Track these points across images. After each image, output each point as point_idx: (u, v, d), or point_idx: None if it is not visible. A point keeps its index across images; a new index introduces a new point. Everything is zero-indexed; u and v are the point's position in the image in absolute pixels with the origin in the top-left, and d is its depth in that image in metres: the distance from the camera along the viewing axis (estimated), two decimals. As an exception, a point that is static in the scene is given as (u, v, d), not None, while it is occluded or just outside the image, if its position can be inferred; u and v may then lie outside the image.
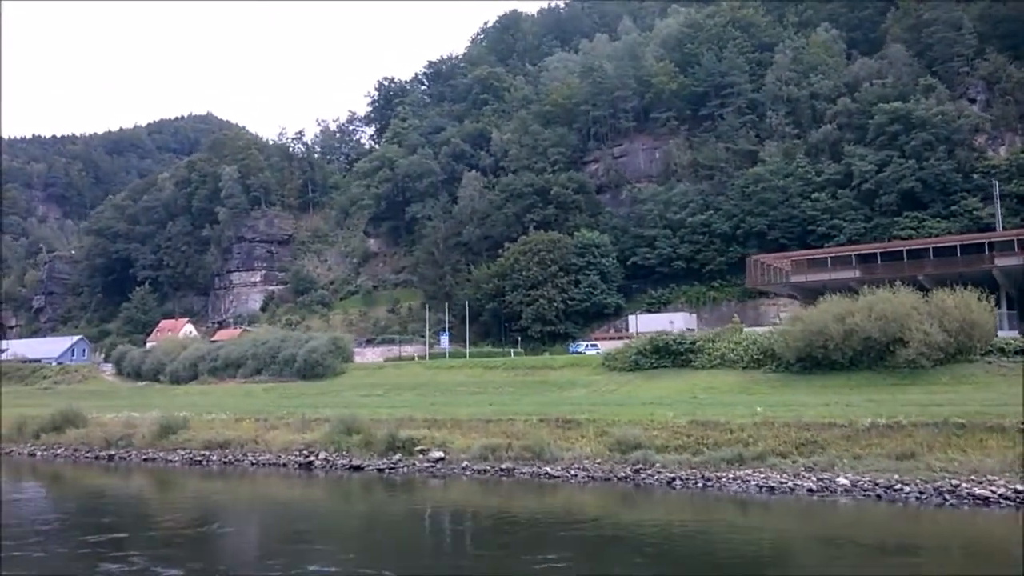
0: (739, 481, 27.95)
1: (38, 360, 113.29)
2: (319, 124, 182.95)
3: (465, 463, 33.89)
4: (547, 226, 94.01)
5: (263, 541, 24.83)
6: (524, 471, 32.25)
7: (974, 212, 75.49)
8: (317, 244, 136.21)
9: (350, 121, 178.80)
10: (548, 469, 31.75)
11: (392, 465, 35.04)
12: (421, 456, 35.32)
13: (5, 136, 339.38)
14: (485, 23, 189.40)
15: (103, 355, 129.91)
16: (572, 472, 31.23)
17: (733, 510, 26.00)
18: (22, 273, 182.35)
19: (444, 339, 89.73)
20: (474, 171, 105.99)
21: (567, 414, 37.40)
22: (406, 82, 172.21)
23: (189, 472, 38.75)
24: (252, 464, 38.46)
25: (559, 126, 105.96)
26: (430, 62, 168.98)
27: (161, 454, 41.58)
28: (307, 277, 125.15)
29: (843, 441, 29.34)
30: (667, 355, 55.89)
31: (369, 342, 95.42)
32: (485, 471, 33.14)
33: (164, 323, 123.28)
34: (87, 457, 43.65)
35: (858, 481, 26.35)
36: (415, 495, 31.54)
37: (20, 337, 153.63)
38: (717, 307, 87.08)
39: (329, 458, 37.08)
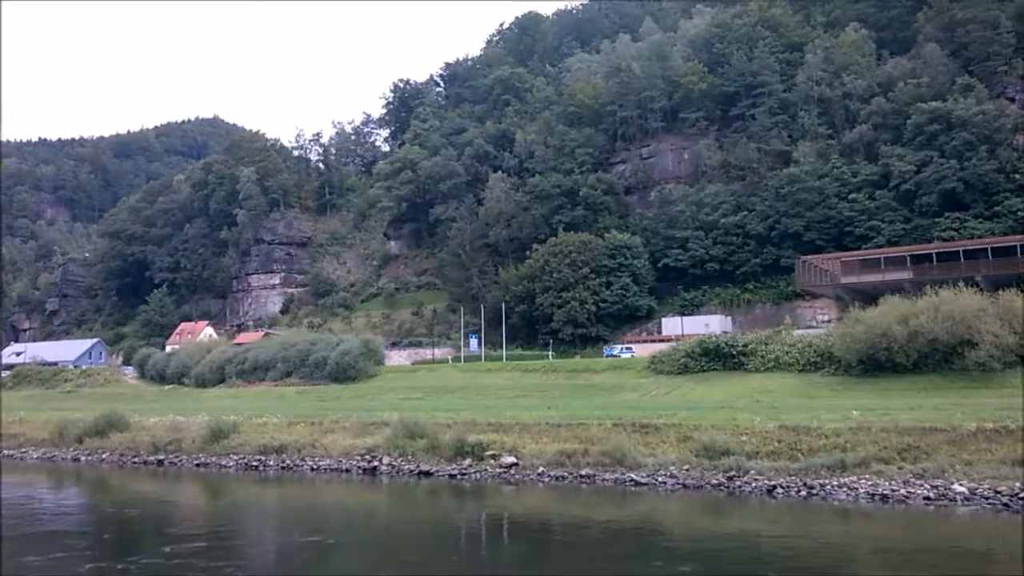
0: (845, 489, 26.63)
1: (55, 363, 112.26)
2: (335, 126, 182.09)
3: (541, 469, 32.59)
4: (575, 228, 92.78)
5: (361, 553, 23.53)
6: (607, 478, 30.95)
7: (1018, 212, 74.03)
8: (335, 246, 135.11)
9: (365, 123, 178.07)
10: (633, 475, 30.43)
11: (463, 471, 33.74)
12: (492, 461, 34.04)
13: (14, 139, 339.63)
14: (501, 25, 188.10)
15: (120, 358, 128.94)
16: (659, 479, 29.93)
17: (856, 522, 24.55)
18: (35, 276, 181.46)
19: (473, 342, 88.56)
20: (499, 172, 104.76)
21: (641, 418, 36.04)
22: (421, 84, 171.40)
23: (245, 478, 37.52)
24: (312, 469, 37.21)
25: (585, 127, 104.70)
26: (447, 63, 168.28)
27: (213, 459, 40.34)
28: (327, 280, 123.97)
29: (948, 446, 27.98)
30: (717, 358, 54.70)
31: (395, 345, 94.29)
32: (563, 477, 31.85)
33: (183, 326, 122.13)
34: (135, 462, 42.41)
35: (976, 489, 25.01)
36: (490, 502, 30.21)
37: (34, 340, 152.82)
38: (751, 310, 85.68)
39: (394, 463, 35.80)
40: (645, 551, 21.63)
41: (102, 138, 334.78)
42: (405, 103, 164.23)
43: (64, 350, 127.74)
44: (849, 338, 47.45)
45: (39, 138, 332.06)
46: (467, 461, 34.40)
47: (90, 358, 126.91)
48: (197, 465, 40.21)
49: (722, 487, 28.61)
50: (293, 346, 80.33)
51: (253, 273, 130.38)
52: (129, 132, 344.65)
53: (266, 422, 44.43)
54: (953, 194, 77.04)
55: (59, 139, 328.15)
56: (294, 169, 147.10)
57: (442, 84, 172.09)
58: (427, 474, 34.16)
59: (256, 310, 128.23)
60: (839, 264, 62.46)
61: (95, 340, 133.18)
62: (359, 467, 36.16)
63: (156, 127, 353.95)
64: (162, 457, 41.90)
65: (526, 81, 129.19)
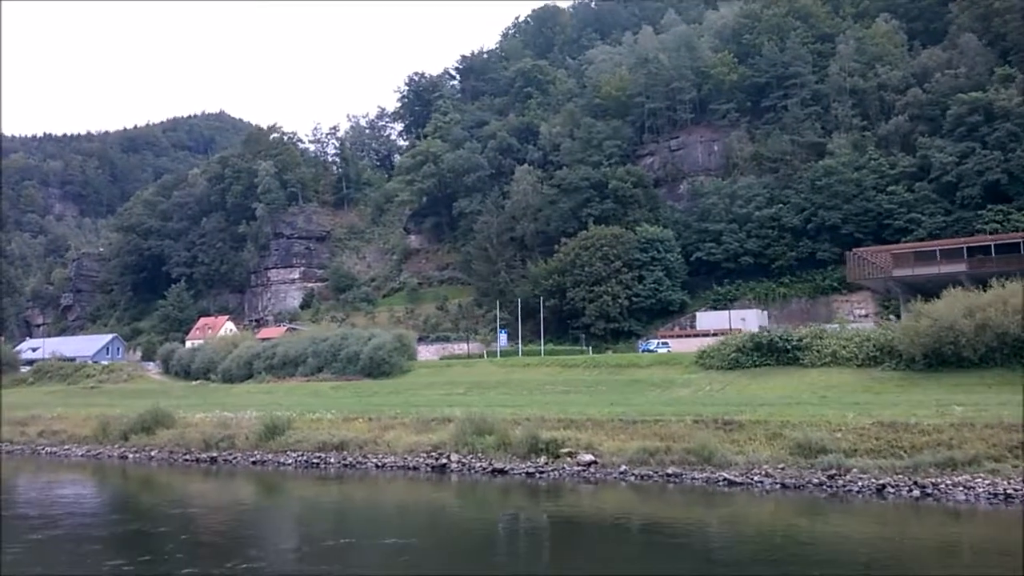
0: (961, 488, 25.36)
1: (73, 359, 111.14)
2: (349, 120, 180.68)
3: (623, 467, 31.35)
4: (605, 221, 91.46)
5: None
6: (696, 477, 29.69)
7: (1065, 205, 72.87)
8: (354, 241, 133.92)
9: (379, 117, 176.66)
10: (725, 475, 29.18)
11: (540, 469, 32.51)
12: (569, 459, 32.82)
13: (19, 134, 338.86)
14: (516, 18, 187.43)
15: (137, 353, 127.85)
16: (755, 478, 28.66)
17: (989, 524, 23.30)
18: (49, 271, 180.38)
19: (503, 337, 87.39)
20: (525, 165, 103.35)
21: (722, 414, 34.77)
22: (435, 77, 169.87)
23: (305, 476, 36.31)
24: (377, 467, 35.99)
25: (612, 119, 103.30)
26: (463, 57, 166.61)
27: (270, 456, 39.11)
28: (347, 274, 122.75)
29: (1059, 444, 26.75)
30: (770, 352, 53.50)
31: (422, 340, 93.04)
32: (648, 476, 30.59)
33: (203, 321, 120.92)
34: (186, 460, 41.19)
35: (1108, 488, 23.79)
36: (570, 501, 28.96)
37: (49, 335, 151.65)
38: (787, 304, 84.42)
39: (463, 460, 34.57)
40: (778, 556, 20.39)
41: (108, 133, 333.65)
42: (420, 97, 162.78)
43: (82, 345, 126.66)
44: (913, 332, 46.15)
45: (44, 133, 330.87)
46: (542, 459, 33.18)
47: (107, 353, 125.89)
48: (253, 463, 38.97)
49: (824, 486, 27.35)
50: (323, 341, 79.18)
51: (272, 267, 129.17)
52: (136, 127, 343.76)
53: (320, 418, 43.14)
54: (996, 186, 75.70)
55: (64, 134, 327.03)
56: (311, 163, 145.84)
57: (458, 77, 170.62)
58: (501, 472, 32.91)
59: (275, 305, 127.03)
60: (890, 256, 61.08)
61: (112, 335, 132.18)
62: (427, 464, 34.92)
63: (163, 122, 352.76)
64: (215, 454, 40.67)
65: (548, 73, 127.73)
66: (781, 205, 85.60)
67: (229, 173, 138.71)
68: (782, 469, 28.89)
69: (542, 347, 76.01)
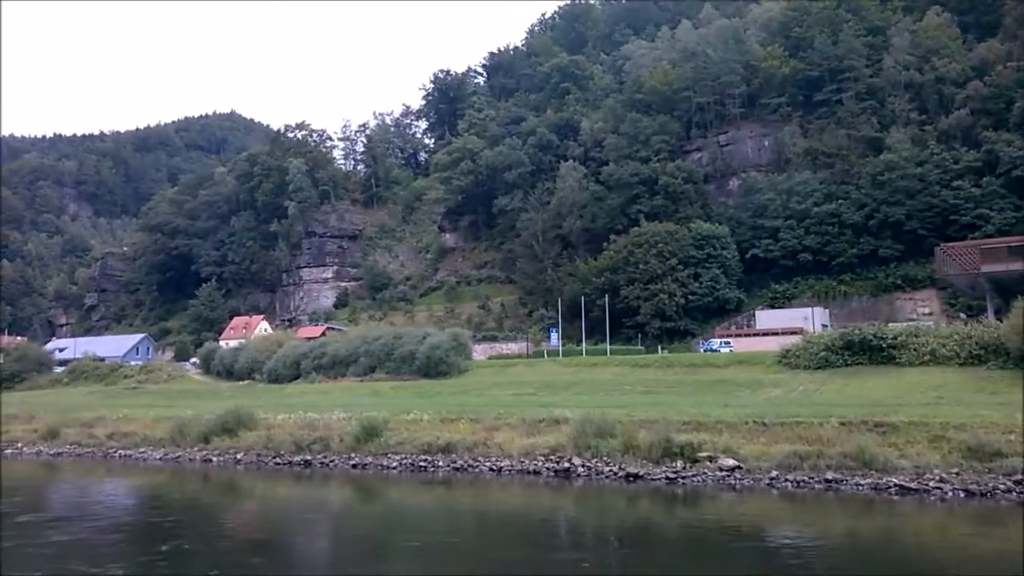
0: None
1: (102, 359, 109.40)
2: (375, 118, 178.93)
3: (773, 472, 29.29)
4: (655, 217, 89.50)
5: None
6: (860, 483, 27.59)
7: None
8: (385, 239, 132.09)
9: (404, 115, 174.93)
10: (895, 480, 27.11)
11: (679, 474, 30.47)
12: (709, 463, 30.79)
13: (29, 134, 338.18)
14: (543, 15, 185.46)
15: (165, 353, 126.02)
16: (930, 484, 26.53)
17: None
18: (72, 271, 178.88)
19: (554, 336, 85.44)
20: (569, 161, 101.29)
21: (870, 415, 32.64)
22: (461, 75, 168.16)
23: (411, 480, 34.37)
24: (492, 470, 33.99)
25: (657, 114, 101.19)
26: (490, 54, 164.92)
27: (370, 459, 37.13)
28: (382, 273, 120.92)
29: None
30: (862, 351, 51.59)
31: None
32: (803, 483, 28.50)
33: (237, 320, 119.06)
34: (277, 463, 39.24)
35: None
36: (712, 509, 26.81)
37: (72, 335, 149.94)
38: (847, 302, 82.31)
39: (588, 464, 32.56)
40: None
41: (120, 133, 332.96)
42: (445, 94, 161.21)
43: (111, 345, 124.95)
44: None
45: (54, 133, 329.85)
46: (678, 463, 31.17)
47: (137, 353, 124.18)
48: (353, 466, 37.02)
49: (1013, 493, 25.28)
50: (375, 340, 77.33)
51: (305, 266, 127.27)
52: (149, 127, 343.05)
53: (416, 419, 41.12)
54: (1070, 180, 73.65)
55: (74, 134, 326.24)
56: (339, 161, 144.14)
57: (484, 75, 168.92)
58: (636, 477, 30.89)
59: (308, 304, 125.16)
60: (978, 251, 59.04)
61: (142, 335, 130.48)
62: (549, 468, 32.93)
63: (175, 121, 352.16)
64: (308, 457, 38.71)
65: (585, 69, 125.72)
66: (840, 201, 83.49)
67: (258, 171, 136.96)
68: (957, 474, 26.83)
69: (607, 347, 73.91)
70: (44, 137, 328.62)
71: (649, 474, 30.90)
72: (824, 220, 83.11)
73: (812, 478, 28.60)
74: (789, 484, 28.51)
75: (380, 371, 73.79)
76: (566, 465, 32.84)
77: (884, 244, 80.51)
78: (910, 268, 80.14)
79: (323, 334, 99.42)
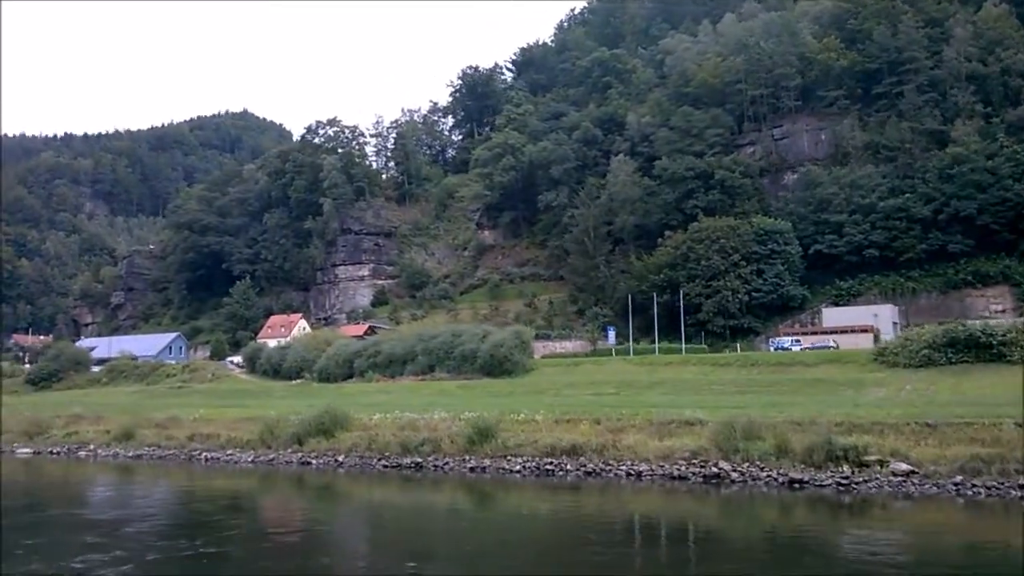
0: None
1: (135, 358, 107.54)
2: (404, 114, 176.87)
3: (959, 477, 27.12)
4: (711, 212, 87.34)
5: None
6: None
7: None
8: (420, 237, 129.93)
9: (432, 112, 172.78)
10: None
11: (849, 480, 28.29)
12: (880, 468, 28.65)
13: (41, 133, 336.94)
14: (572, 10, 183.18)
15: (198, 352, 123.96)
16: None
17: None
18: (96, 269, 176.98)
19: (611, 334, 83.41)
20: (620, 156, 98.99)
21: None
22: (488, 71, 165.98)
23: (538, 484, 32.36)
24: (629, 475, 31.89)
25: (708, 107, 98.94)
26: (521, 49, 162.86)
27: (488, 462, 35.08)
28: (420, 270, 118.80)
29: None
30: (968, 349, 49.49)
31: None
32: (993, 489, 26.33)
33: (275, 319, 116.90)
34: (384, 466, 37.21)
35: None
36: (887, 520, 24.79)
37: (99, 334, 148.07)
38: (915, 299, 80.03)
39: (740, 469, 30.44)
40: None
41: (134, 132, 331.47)
42: (473, 91, 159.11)
43: (144, 344, 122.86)
44: None
45: (65, 132, 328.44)
46: (844, 468, 29.01)
47: (170, 352, 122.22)
48: (471, 469, 34.97)
49: None
50: (433, 338, 75.33)
51: (340, 264, 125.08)
52: (163, 126, 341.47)
53: (527, 419, 39.02)
54: None
55: (89, 133, 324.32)
56: (370, 157, 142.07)
57: (514, 70, 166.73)
58: (800, 483, 28.75)
59: (344, 302, 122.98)
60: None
61: (175, 334, 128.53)
62: (695, 473, 30.82)
63: (189, 120, 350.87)
64: (418, 460, 36.67)
65: (627, 63, 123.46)
66: (907, 195, 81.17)
67: (290, 168, 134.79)
68: None
69: (682, 345, 71.71)
70: (60, 136, 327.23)
71: (814, 480, 28.79)
72: (891, 215, 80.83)
73: (1003, 483, 26.47)
74: (980, 491, 26.33)
75: (440, 370, 71.81)
76: (714, 470, 30.75)
77: (953, 239, 78.26)
78: (981, 264, 77.91)
79: (366, 332, 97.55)
